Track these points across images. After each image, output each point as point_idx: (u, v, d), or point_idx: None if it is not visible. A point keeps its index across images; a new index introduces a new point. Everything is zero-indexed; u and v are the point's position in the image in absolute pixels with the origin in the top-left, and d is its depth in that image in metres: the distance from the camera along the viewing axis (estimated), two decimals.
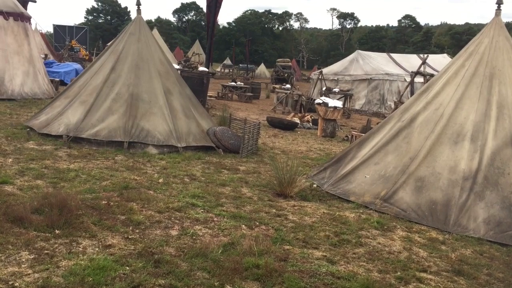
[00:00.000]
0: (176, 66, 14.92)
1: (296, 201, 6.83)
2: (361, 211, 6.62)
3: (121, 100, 8.99)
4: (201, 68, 14.04)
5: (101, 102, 8.95)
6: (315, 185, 7.82)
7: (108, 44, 10.59)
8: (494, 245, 5.80)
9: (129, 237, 4.62)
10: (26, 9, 24.89)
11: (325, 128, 13.82)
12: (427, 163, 6.99)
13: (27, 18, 14.59)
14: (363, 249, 5.13)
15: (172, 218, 5.33)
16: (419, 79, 17.09)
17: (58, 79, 18.45)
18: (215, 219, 5.51)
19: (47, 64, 23.11)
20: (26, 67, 13.85)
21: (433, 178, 6.83)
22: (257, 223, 5.53)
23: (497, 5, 7.57)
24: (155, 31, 21.53)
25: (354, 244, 5.26)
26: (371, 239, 5.50)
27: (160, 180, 6.87)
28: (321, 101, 13.91)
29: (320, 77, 20.88)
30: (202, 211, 5.71)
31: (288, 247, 4.91)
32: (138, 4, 9.86)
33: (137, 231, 4.83)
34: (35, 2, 25.27)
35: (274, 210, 6.17)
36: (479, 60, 7.45)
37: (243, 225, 5.40)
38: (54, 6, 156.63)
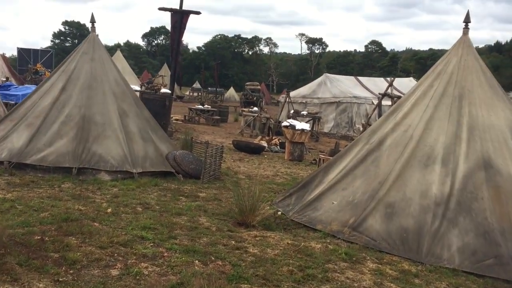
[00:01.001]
0: (137, 88, 14.36)
1: (258, 230, 6.29)
2: (328, 240, 6.12)
3: (72, 123, 8.35)
4: (164, 90, 13.50)
5: (49, 125, 8.28)
6: (279, 213, 7.30)
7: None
8: (470, 276, 5.37)
9: (60, 279, 3.98)
10: None
11: (292, 151, 13.39)
12: (397, 188, 6.57)
13: None
14: (329, 286, 4.61)
15: (115, 254, 4.71)
16: (386, 102, 16.93)
17: (14, 102, 17.58)
18: (165, 254, 4.91)
19: (4, 87, 22.16)
20: None
21: (403, 204, 6.40)
22: (213, 258, 4.95)
23: (464, 23, 7.32)
24: (118, 53, 20.94)
25: (320, 279, 4.74)
26: (339, 273, 4.99)
27: (108, 210, 6.23)
28: (288, 124, 13.50)
29: (287, 100, 20.56)
30: (151, 245, 5.10)
31: (245, 286, 4.35)
32: (93, 21, 9.31)
33: (71, 271, 4.19)
34: None
35: (233, 242, 5.61)
36: (447, 80, 7.14)
37: (197, 261, 4.82)
38: (22, 30, 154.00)
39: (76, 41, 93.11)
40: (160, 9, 18.13)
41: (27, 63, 43.25)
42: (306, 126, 13.55)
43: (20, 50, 48.44)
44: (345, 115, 23.11)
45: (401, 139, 6.96)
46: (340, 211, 6.75)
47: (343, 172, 7.24)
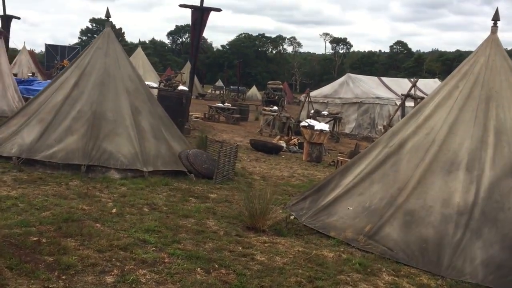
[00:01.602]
0: (154, 85, 14.18)
1: (268, 236, 5.99)
2: (342, 249, 5.78)
3: (83, 119, 8.17)
4: (181, 87, 13.29)
5: (60, 120, 8.13)
6: (292, 217, 6.98)
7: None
8: None
9: (50, 286, 3.75)
10: (9, 25, 24.26)
11: (310, 152, 13.04)
12: (417, 195, 6.19)
13: None
14: None
15: (113, 259, 4.46)
16: (410, 103, 16.42)
17: None
18: (167, 260, 4.64)
19: (28, 82, 22.34)
20: None
21: (424, 212, 6.02)
22: (217, 266, 4.67)
23: (493, 21, 6.88)
24: (139, 50, 20.88)
25: None
26: (351, 285, 4.67)
27: (113, 211, 6.01)
28: (306, 124, 13.15)
29: (308, 99, 20.16)
30: (153, 250, 4.85)
31: None
32: (108, 16, 9.13)
33: (63, 277, 3.95)
34: (19, 18, 24.66)
35: (240, 248, 5.32)
36: (474, 81, 6.71)
37: (199, 268, 4.54)
38: (51, 27, 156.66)
39: None
40: (181, 5, 17.96)
41: (54, 59, 43.83)
42: (325, 126, 13.18)
43: (48, 47, 49.25)
44: (367, 116, 22.62)
45: (422, 142, 6.58)
46: (356, 217, 6.40)
47: (360, 176, 6.89)
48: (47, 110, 8.33)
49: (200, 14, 17.58)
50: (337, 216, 6.58)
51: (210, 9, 17.69)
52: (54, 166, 7.70)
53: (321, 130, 12.87)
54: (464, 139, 6.31)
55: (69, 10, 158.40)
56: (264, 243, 5.64)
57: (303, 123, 13.46)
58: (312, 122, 13.36)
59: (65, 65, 36.20)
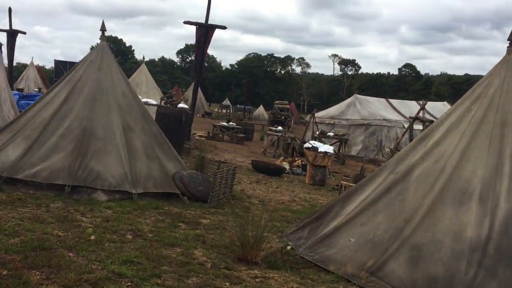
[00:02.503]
0: (153, 102, 13.80)
1: (261, 269, 5.45)
2: (341, 286, 5.23)
3: (71, 136, 7.74)
4: (181, 105, 12.88)
5: (46, 137, 7.70)
6: (289, 247, 6.44)
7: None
8: None
9: None
10: (15, 40, 24.12)
11: (313, 175, 12.52)
12: (425, 227, 5.64)
13: None
14: None
15: None
16: (418, 126, 15.91)
17: None
18: None
19: (31, 97, 22.15)
20: None
21: (432, 247, 5.47)
22: None
23: (509, 41, 6.39)
24: (143, 66, 20.63)
25: None
26: None
27: (92, 237, 5.50)
28: (310, 145, 12.66)
29: (313, 120, 19.68)
30: (126, 286, 4.33)
31: None
32: (103, 29, 8.76)
33: None
34: (25, 33, 24.60)
35: (227, 284, 4.79)
36: (488, 104, 6.19)
37: None
38: (62, 44, 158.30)
39: (113, 55, 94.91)
40: (186, 22, 17.72)
41: (62, 75, 43.82)
42: (330, 148, 12.68)
43: (57, 62, 49.47)
44: (374, 138, 22.08)
45: (431, 170, 6.04)
46: (358, 250, 5.86)
47: (363, 204, 6.35)
48: (34, 126, 7.90)
49: (205, 32, 17.33)
50: (337, 248, 6.03)
51: (215, 27, 17.43)
52: (37, 186, 7.25)
53: (325, 152, 12.37)
54: (477, 167, 5.78)
55: (81, 28, 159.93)
56: (255, 278, 5.10)
57: (306, 145, 12.97)
58: (316, 143, 12.87)
59: None
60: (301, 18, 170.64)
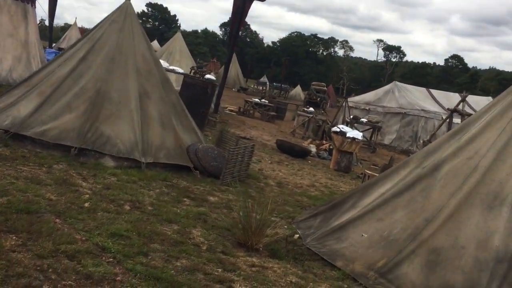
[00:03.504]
0: (180, 70, 13.41)
1: (261, 257, 5.03)
2: (346, 286, 4.76)
3: (84, 97, 7.42)
4: (208, 76, 12.45)
5: (59, 95, 7.40)
6: (297, 236, 5.99)
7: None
8: None
9: None
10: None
11: (339, 161, 11.95)
12: (447, 230, 5.08)
13: (30, 0, 13.35)
14: None
15: (50, 270, 3.61)
16: (457, 119, 15.04)
17: None
18: (119, 277, 3.76)
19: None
20: (19, 51, 12.58)
21: (453, 253, 4.92)
22: None
23: None
24: (178, 35, 20.24)
25: None
26: None
27: (86, 204, 5.19)
28: (338, 130, 12.06)
29: (344, 104, 18.95)
30: (107, 262, 3.97)
31: None
32: None
33: None
34: None
35: (219, 271, 4.39)
36: None
37: None
38: (109, 8, 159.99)
39: (157, 23, 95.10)
40: None
41: None
42: (359, 135, 12.05)
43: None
44: (410, 129, 21.17)
45: (462, 168, 5.43)
46: (370, 247, 5.35)
47: (383, 198, 5.81)
48: (50, 83, 7.62)
49: (242, 3, 16.76)
50: (347, 242, 5.55)
51: None
52: (44, 145, 6.99)
53: (353, 138, 11.76)
54: None
55: None
56: (251, 267, 4.68)
57: (334, 129, 12.37)
58: (344, 128, 12.26)
59: None
60: (350, 0, 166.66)
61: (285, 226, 6.27)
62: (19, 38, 12.64)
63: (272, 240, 5.38)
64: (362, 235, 5.53)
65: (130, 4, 8.37)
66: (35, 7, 13.75)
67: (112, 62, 7.80)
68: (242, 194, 7.36)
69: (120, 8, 8.31)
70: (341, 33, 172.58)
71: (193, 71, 14.73)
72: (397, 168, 6.32)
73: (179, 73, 13.32)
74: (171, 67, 13.52)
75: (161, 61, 14.13)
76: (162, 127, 7.83)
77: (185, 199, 6.39)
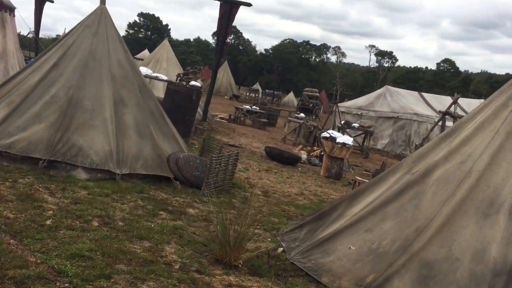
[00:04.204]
0: (163, 78, 13.03)
1: (239, 275, 4.62)
2: None
3: (55, 105, 7.02)
4: (193, 83, 12.07)
5: (29, 105, 7.00)
6: (281, 249, 5.59)
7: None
8: None
9: None
10: (42, 8, 23.79)
11: (329, 167, 11.57)
12: (440, 241, 4.70)
13: (7, 8, 12.92)
14: None
15: None
16: (450, 123, 14.71)
17: None
18: None
19: None
20: None
21: (447, 266, 4.54)
22: None
23: None
24: (165, 42, 19.88)
25: None
26: None
27: (48, 222, 4.77)
28: (328, 135, 11.69)
29: (336, 110, 18.62)
30: None
31: None
32: None
33: None
34: (52, 2, 24.27)
35: None
36: None
37: None
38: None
39: (149, 33, 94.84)
40: None
41: None
42: (349, 140, 11.68)
43: None
44: (403, 133, 20.85)
45: (455, 173, 5.07)
46: (358, 261, 4.96)
47: (371, 206, 5.43)
48: (19, 92, 7.21)
49: (229, 8, 16.45)
50: (334, 256, 5.15)
51: (239, 3, 16.50)
52: (12, 158, 6.58)
53: (344, 144, 11.39)
54: (510, 174, 4.78)
55: (120, 3, 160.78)
56: (228, 287, 4.28)
57: (324, 134, 12.00)
58: (334, 133, 11.89)
59: None
60: (341, 7, 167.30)
61: (269, 239, 5.88)
62: None
63: (253, 255, 4.98)
64: (350, 247, 5.13)
65: (105, 8, 7.99)
66: (14, 16, 13.31)
67: (85, 69, 7.41)
68: (225, 205, 6.98)
69: (94, 12, 7.93)
70: (333, 39, 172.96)
71: (179, 78, 14.33)
72: (386, 174, 5.95)
73: (162, 80, 12.93)
74: (154, 74, 13.13)
75: (144, 68, 13.80)
76: (139, 135, 7.43)
77: (161, 212, 5.98)
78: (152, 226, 5.38)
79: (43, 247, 4.17)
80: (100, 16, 7.87)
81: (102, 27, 7.79)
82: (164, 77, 12.95)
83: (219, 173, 7.74)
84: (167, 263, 4.48)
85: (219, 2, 16.51)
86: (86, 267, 3.95)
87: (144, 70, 12.79)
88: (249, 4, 16.54)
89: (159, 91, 16.16)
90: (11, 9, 13.09)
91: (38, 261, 3.88)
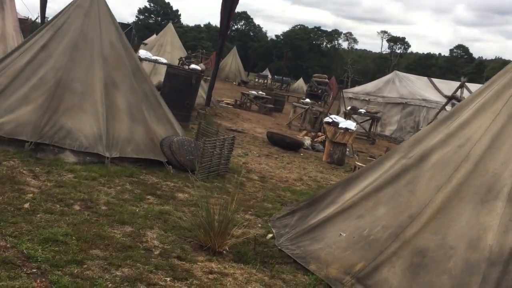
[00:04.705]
0: (163, 61, 12.80)
1: (223, 261, 4.44)
2: None
3: (44, 88, 6.84)
4: (193, 66, 11.85)
5: (17, 87, 6.83)
6: (270, 236, 5.40)
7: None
8: None
9: None
10: None
11: (332, 153, 11.32)
12: (434, 228, 4.46)
13: None
14: None
15: None
16: None
17: None
18: None
19: None
20: None
21: (440, 254, 4.30)
22: None
23: None
24: (170, 26, 19.59)
25: None
26: None
27: (26, 206, 4.61)
28: (330, 120, 11.42)
29: (341, 95, 18.30)
30: (27, 274, 3.39)
31: None
32: None
33: None
34: None
35: (168, 280, 3.80)
36: None
37: None
38: (113, 6, 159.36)
39: (159, 18, 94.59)
40: None
41: None
42: (352, 125, 11.40)
43: None
44: (411, 119, 20.47)
45: (452, 157, 4.81)
46: (348, 248, 4.75)
47: (364, 192, 5.21)
48: (7, 74, 7.04)
49: None
50: (323, 243, 4.94)
51: None
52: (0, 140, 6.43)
53: (346, 129, 11.12)
54: (510, 159, 4.52)
55: None
56: (208, 274, 4.09)
57: (326, 119, 11.74)
58: (337, 118, 11.62)
59: None
60: None
61: (259, 225, 5.69)
62: None
63: (239, 242, 4.79)
64: (340, 234, 4.92)
65: None
66: None
67: (76, 50, 7.21)
68: (218, 190, 6.80)
69: None
70: (345, 25, 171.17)
71: (181, 62, 14.10)
72: (382, 159, 5.71)
73: (162, 63, 12.71)
74: (153, 57, 12.90)
75: (143, 51, 13.59)
76: (131, 119, 7.25)
77: (148, 196, 5.81)
78: (137, 210, 5.21)
79: (16, 231, 4.01)
80: None
81: (94, 7, 7.57)
82: (164, 60, 12.72)
83: (213, 157, 7.55)
84: (146, 249, 4.31)
85: None
86: (58, 252, 3.79)
87: (143, 53, 12.59)
88: None
89: (163, 75, 15.96)
90: None
91: (8, 245, 3.72)
